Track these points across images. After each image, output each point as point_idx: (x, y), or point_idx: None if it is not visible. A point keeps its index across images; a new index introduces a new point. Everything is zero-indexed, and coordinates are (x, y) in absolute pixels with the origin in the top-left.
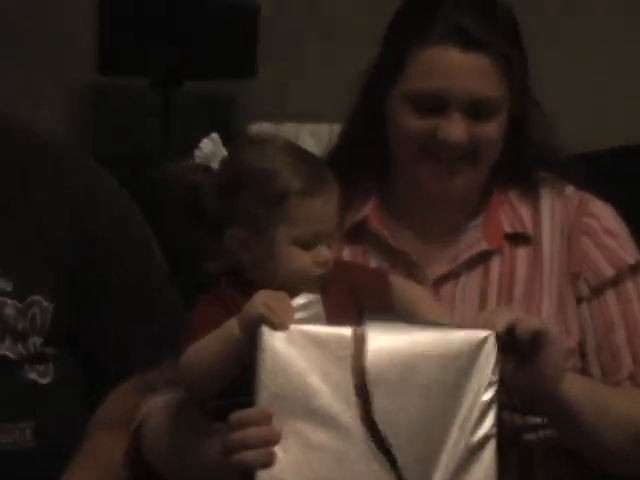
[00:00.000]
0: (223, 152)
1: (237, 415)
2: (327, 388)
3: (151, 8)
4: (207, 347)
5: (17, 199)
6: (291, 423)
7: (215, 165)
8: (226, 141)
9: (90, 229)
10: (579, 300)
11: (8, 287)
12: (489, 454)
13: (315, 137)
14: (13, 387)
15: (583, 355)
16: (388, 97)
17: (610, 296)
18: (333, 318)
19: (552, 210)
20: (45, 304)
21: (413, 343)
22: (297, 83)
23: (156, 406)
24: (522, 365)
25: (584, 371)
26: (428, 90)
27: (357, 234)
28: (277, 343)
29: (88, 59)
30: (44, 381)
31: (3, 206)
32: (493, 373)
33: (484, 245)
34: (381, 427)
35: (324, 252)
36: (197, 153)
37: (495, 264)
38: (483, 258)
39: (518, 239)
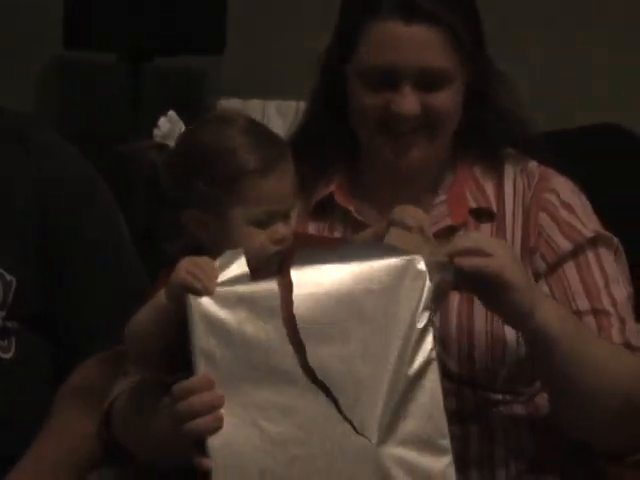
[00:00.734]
0: (181, 130)
1: (179, 386)
2: (262, 344)
3: None
4: (142, 316)
5: None
6: (234, 385)
7: (172, 144)
8: (195, 117)
9: (55, 199)
10: (536, 276)
11: None
12: (432, 378)
13: (281, 113)
14: None
15: None
16: (345, 74)
17: (569, 267)
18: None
19: (515, 186)
20: (8, 278)
21: (340, 282)
22: (265, 59)
23: (125, 387)
24: (484, 300)
25: None
26: (377, 65)
27: (323, 210)
28: (205, 308)
29: (54, 33)
30: (6, 356)
31: None
32: (425, 299)
33: (448, 221)
34: (319, 372)
35: (280, 230)
36: (155, 132)
37: None
38: (448, 234)
39: (482, 215)
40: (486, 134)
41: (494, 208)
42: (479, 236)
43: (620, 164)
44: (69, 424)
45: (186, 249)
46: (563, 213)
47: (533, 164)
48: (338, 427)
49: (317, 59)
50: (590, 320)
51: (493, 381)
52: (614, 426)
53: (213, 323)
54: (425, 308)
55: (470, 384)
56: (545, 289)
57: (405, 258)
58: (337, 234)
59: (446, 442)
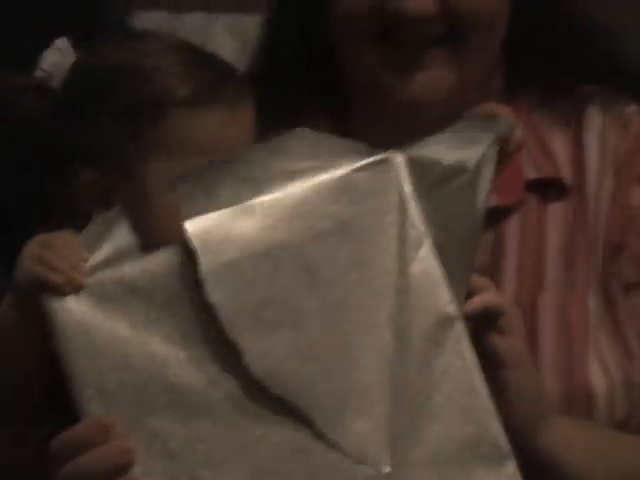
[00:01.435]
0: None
1: (60, 440)
2: (170, 349)
3: None
4: None
5: None
6: (139, 424)
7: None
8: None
9: None
10: (626, 286)
11: None
12: (455, 350)
13: (235, 34)
14: None
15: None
16: None
17: None
18: None
19: (601, 143)
20: None
21: (271, 226)
22: None
23: None
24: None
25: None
26: None
27: None
28: (73, 313)
29: None
30: None
31: None
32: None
33: (493, 199)
34: (271, 382)
35: None
36: (37, 72)
37: (512, 227)
38: (493, 219)
39: (548, 189)
40: (555, 58)
41: (568, 178)
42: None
43: None
44: None
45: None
46: None
47: (632, 109)
48: (319, 459)
49: None
50: None
51: None
52: None
53: (89, 335)
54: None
55: None
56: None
57: (369, 160)
58: None
59: (501, 441)
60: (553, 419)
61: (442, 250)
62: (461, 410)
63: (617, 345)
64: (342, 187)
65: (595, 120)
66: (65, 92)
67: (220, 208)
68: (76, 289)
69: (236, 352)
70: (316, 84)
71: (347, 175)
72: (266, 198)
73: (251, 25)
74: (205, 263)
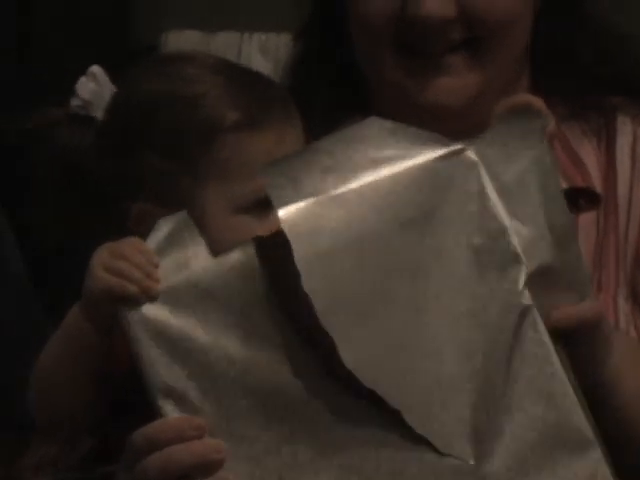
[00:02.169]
0: (111, 91)
1: (148, 430)
2: (249, 352)
3: None
4: (51, 352)
5: None
6: (223, 430)
7: (99, 115)
8: (120, 72)
9: None
10: None
11: None
12: (533, 337)
13: (266, 52)
14: None
15: None
16: None
17: None
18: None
19: (633, 151)
20: None
21: (359, 216)
22: None
23: None
24: None
25: None
26: None
27: None
28: (151, 322)
29: None
30: None
31: None
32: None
33: None
34: (355, 364)
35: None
36: (73, 101)
37: None
38: None
39: (579, 199)
40: (581, 68)
41: (598, 187)
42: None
43: None
44: None
45: None
46: None
47: None
48: (405, 455)
49: None
50: None
51: None
52: None
53: (169, 342)
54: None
55: None
56: None
57: (448, 149)
58: None
59: (585, 427)
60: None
61: (534, 243)
62: (542, 397)
63: None
64: (425, 176)
65: (625, 130)
66: (109, 124)
67: (307, 197)
68: (152, 298)
69: (322, 348)
70: (342, 95)
71: (429, 163)
72: (353, 186)
73: (282, 44)
74: (298, 253)
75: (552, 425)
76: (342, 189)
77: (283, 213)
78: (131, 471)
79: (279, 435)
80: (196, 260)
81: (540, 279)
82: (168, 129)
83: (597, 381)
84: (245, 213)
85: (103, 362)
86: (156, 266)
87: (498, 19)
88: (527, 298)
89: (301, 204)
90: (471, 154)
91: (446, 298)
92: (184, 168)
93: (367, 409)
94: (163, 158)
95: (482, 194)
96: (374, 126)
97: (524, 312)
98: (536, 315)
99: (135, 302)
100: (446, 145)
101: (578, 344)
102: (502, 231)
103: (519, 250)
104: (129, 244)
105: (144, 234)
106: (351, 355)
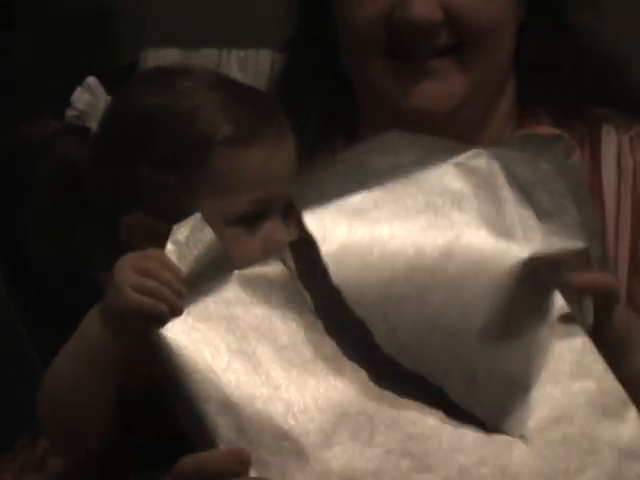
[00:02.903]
0: (106, 102)
1: (194, 462)
2: (286, 368)
3: None
4: (69, 364)
5: None
6: (263, 457)
7: (96, 124)
8: (112, 83)
9: None
10: None
11: None
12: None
13: (244, 67)
14: None
15: None
16: None
17: None
18: None
19: (619, 164)
20: None
21: (389, 217)
22: None
23: None
24: None
25: None
26: None
27: None
28: (181, 340)
29: None
30: None
31: None
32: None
33: None
34: (393, 349)
35: (277, 231)
36: (68, 111)
37: None
38: None
39: None
40: (563, 78)
41: None
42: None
43: None
44: None
45: None
46: None
47: None
48: (451, 437)
49: None
50: None
51: None
52: None
53: (205, 360)
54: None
55: None
56: None
57: (466, 154)
58: None
59: (619, 389)
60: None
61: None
62: (574, 367)
63: None
64: (444, 179)
65: (610, 140)
66: (104, 136)
67: (330, 202)
68: (178, 314)
69: (356, 340)
70: (331, 103)
71: (449, 168)
72: (375, 192)
73: (262, 60)
74: (324, 248)
75: (589, 392)
76: (363, 194)
77: (308, 218)
78: None
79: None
80: (216, 265)
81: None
82: (163, 142)
83: (622, 377)
84: (237, 225)
85: (123, 378)
86: (182, 282)
87: (482, 25)
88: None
89: (325, 209)
90: (489, 157)
91: (478, 278)
92: (178, 181)
93: (412, 395)
94: (158, 170)
95: (502, 193)
96: (394, 137)
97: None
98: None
99: (164, 320)
100: (460, 151)
101: (602, 336)
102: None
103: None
104: (153, 259)
105: (135, 246)
106: (387, 340)
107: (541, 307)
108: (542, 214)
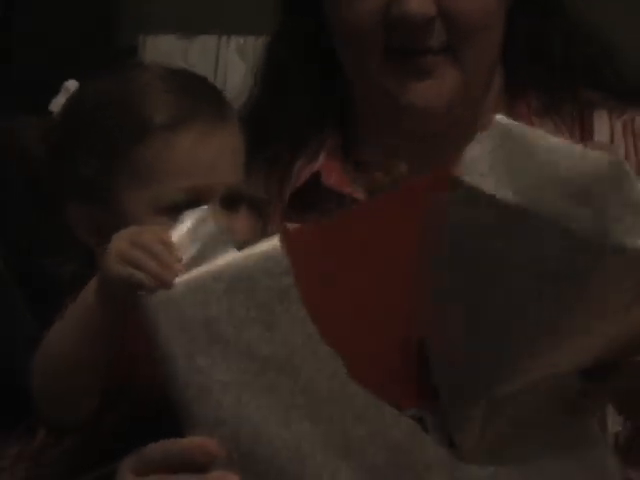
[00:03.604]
0: None
1: (159, 448)
2: (276, 347)
3: None
4: (62, 333)
5: None
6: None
7: None
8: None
9: None
10: None
11: None
12: None
13: (242, 54)
14: None
15: None
16: None
17: None
18: None
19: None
20: None
21: None
22: None
23: None
24: None
25: None
26: None
27: (305, 199)
28: (172, 311)
29: None
30: None
31: None
32: None
33: None
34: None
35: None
36: (47, 118)
37: None
38: None
39: None
40: (551, 62)
41: None
42: None
43: None
44: None
45: (81, 269)
46: None
47: None
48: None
49: None
50: None
51: None
52: None
53: (191, 332)
54: None
55: None
56: None
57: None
58: None
59: None
60: None
61: None
62: None
63: None
64: None
65: (602, 125)
66: (60, 124)
67: None
68: (166, 287)
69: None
70: (324, 95)
71: None
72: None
73: (260, 47)
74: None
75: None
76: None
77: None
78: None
79: (298, 433)
80: (217, 252)
81: None
82: (97, 128)
83: None
84: (167, 215)
85: (114, 348)
86: (177, 257)
87: (475, 19)
88: None
89: None
90: None
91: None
92: (106, 168)
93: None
94: (92, 157)
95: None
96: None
97: None
98: None
99: (151, 291)
100: None
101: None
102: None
103: None
104: (151, 233)
105: (87, 233)
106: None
107: None
108: None
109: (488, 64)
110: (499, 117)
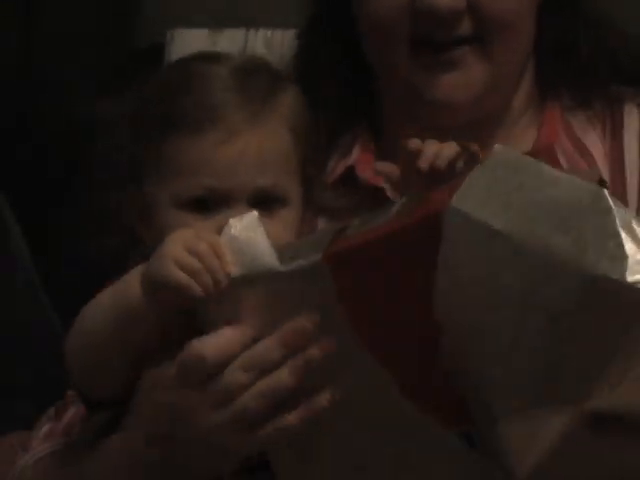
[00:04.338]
0: None
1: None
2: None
3: None
4: (97, 312)
5: None
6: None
7: None
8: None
9: None
10: None
11: None
12: None
13: (270, 47)
14: None
15: None
16: None
17: None
18: None
19: None
20: None
21: None
22: None
23: (33, 460)
24: None
25: None
26: None
27: (340, 193)
28: (221, 314)
29: None
30: None
31: None
32: None
33: None
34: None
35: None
36: None
37: None
38: None
39: None
40: (581, 58)
41: (605, 174)
42: None
43: None
44: None
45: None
46: None
47: None
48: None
49: None
50: None
51: None
52: None
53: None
54: None
55: None
56: None
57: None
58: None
59: None
60: None
61: None
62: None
63: None
64: None
65: (632, 120)
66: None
67: None
68: (218, 289)
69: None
70: (352, 89)
71: None
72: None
73: (287, 40)
74: None
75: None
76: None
77: None
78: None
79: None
80: (263, 261)
81: None
82: (142, 115)
83: None
84: (187, 210)
85: (151, 341)
86: (227, 271)
87: (504, 15)
88: None
89: None
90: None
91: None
92: (135, 158)
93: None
94: (130, 146)
95: None
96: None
97: None
98: None
99: (198, 296)
100: None
101: None
102: None
103: None
104: (206, 243)
105: (131, 218)
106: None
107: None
108: None
109: (518, 59)
110: (497, 146)
